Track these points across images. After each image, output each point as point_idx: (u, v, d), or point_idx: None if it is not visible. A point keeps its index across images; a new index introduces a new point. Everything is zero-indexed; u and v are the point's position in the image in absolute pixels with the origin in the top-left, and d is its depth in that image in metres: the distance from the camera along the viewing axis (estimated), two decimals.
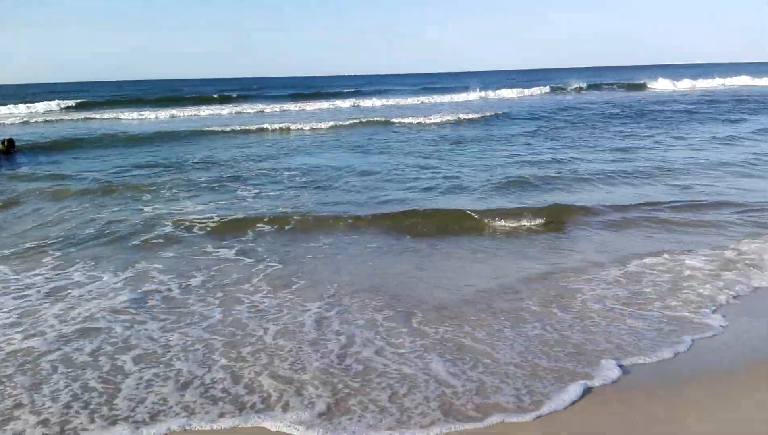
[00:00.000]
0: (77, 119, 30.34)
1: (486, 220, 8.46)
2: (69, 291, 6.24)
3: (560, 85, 48.47)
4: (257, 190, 11.27)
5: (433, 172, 12.67)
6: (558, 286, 6.04)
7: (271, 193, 11.05)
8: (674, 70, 76.59)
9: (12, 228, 9.17)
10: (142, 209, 9.96)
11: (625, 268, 6.47)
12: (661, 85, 48.19)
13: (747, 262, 6.53)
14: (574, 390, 3.96)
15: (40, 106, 37.86)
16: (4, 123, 28.28)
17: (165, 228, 8.56)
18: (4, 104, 38.22)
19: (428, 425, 3.63)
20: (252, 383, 4.21)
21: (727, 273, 6.22)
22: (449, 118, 24.79)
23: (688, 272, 6.29)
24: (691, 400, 3.87)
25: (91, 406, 3.96)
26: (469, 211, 8.83)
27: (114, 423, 3.77)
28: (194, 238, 8.17)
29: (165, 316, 5.49)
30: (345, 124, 23.68)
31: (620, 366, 4.29)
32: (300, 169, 13.46)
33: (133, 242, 8.03)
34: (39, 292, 6.20)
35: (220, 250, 7.61)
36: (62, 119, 30.30)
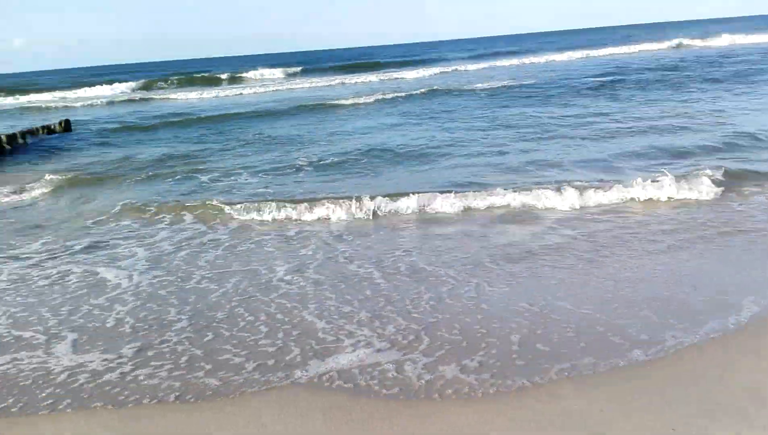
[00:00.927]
0: (140, 99, 31.65)
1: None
2: (197, 239, 7.44)
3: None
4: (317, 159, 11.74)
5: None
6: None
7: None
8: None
9: (100, 196, 10.09)
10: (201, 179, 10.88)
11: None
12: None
13: None
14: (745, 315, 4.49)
15: (100, 90, 39.61)
16: (70, 105, 29.93)
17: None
18: (69, 88, 40.74)
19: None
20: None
21: None
22: None
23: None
24: None
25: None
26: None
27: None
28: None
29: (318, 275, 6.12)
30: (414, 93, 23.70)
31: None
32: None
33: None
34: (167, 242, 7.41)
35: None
36: (132, 99, 31.71)
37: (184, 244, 7.29)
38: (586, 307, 4.86)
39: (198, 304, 5.42)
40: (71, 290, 6.01)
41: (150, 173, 11.69)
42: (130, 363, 4.42)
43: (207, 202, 8.83)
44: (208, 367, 4.28)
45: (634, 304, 4.86)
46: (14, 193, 10.69)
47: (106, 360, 4.51)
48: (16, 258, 7.12)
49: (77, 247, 7.37)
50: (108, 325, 5.12)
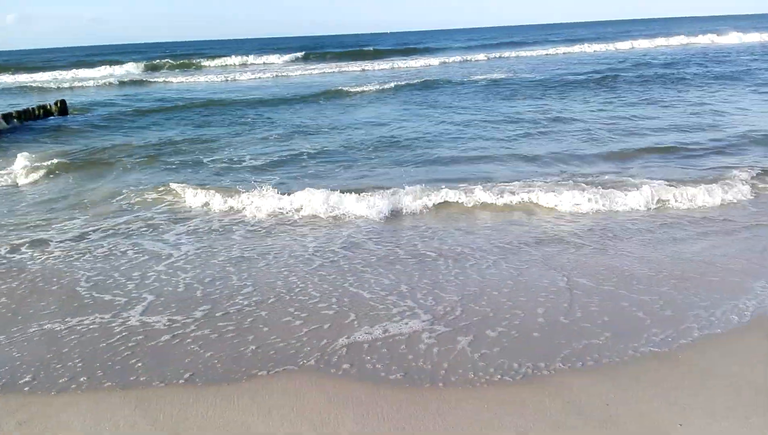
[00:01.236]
0: (140, 81, 31.47)
1: None
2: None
3: None
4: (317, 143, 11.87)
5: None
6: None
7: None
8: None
9: (110, 177, 10.13)
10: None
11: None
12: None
13: None
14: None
15: (99, 72, 39.24)
16: (73, 86, 29.79)
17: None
18: (66, 68, 40.50)
19: None
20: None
21: None
22: None
23: None
24: None
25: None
26: None
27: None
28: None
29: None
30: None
31: None
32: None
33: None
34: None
35: None
36: (132, 80, 31.54)
37: (214, 221, 7.58)
38: (608, 285, 5.13)
39: (253, 272, 5.79)
40: (131, 258, 6.32)
41: (153, 156, 11.71)
42: (193, 324, 4.74)
43: (217, 186, 8.99)
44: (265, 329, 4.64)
45: (653, 281, 5.15)
46: (17, 174, 10.66)
47: (170, 321, 4.82)
48: (60, 232, 7.32)
49: (111, 223, 7.62)
50: (179, 290, 5.45)
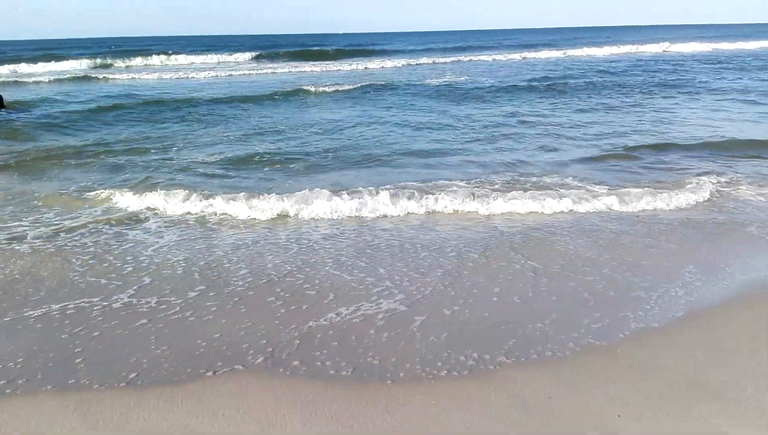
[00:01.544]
0: (87, 77, 30.46)
1: None
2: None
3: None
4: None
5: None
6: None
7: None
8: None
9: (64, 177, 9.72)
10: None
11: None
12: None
13: None
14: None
15: (43, 67, 37.67)
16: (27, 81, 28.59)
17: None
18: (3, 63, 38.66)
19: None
20: None
21: None
22: None
23: None
24: None
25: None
26: None
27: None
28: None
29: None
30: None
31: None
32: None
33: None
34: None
35: None
36: (78, 77, 30.47)
37: (179, 217, 7.54)
38: (555, 267, 5.57)
39: (242, 257, 6.03)
40: (119, 245, 6.44)
41: (104, 154, 11.32)
42: (179, 305, 4.91)
43: (175, 184, 8.82)
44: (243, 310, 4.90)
45: (596, 264, 5.65)
46: None
47: (158, 302, 4.99)
48: (34, 225, 7.13)
49: (82, 218, 7.40)
50: (179, 272, 5.67)
